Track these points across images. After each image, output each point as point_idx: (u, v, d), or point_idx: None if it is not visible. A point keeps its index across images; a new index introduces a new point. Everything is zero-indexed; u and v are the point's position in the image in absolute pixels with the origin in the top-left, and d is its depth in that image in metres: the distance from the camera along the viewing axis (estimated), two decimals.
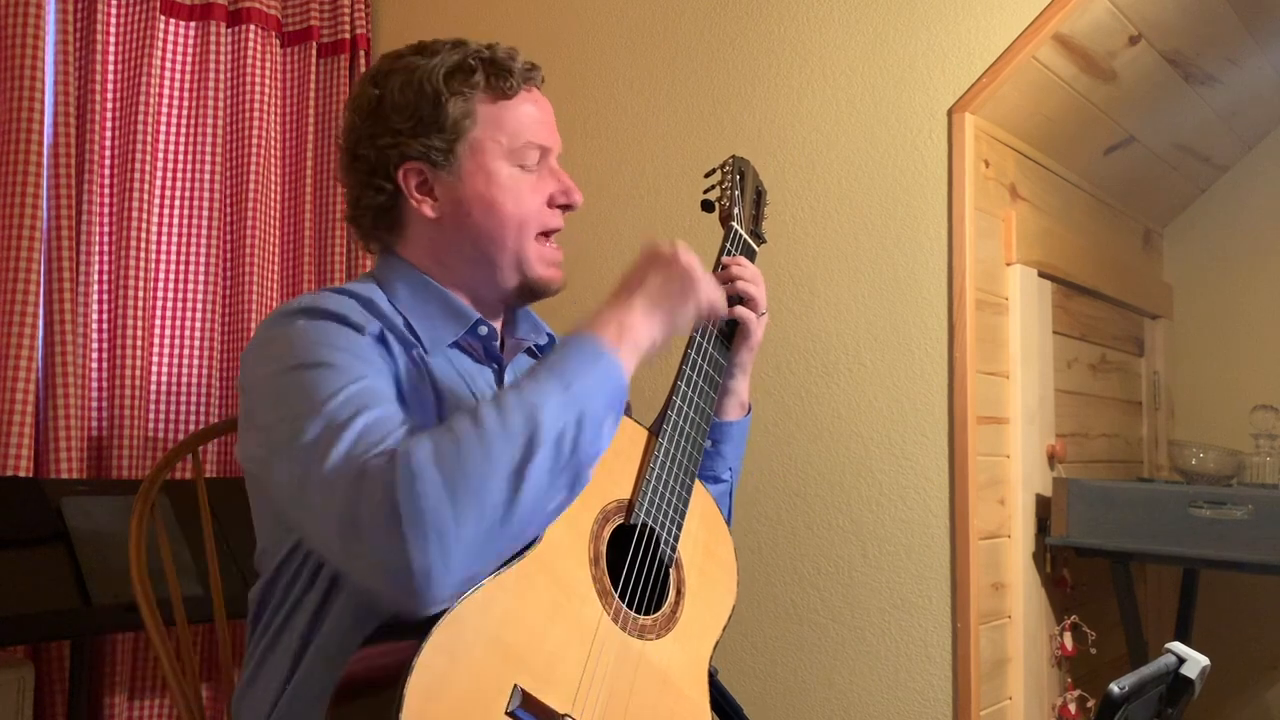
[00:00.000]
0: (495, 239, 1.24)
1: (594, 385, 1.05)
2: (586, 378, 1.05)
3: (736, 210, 1.44)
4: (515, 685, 1.00)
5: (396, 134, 1.23)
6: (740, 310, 1.37)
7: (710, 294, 1.20)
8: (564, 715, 1.03)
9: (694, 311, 1.18)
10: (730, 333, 1.38)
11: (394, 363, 1.15)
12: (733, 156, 1.49)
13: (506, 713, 0.99)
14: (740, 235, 1.43)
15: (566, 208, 1.29)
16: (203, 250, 2.48)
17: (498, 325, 1.33)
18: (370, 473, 0.97)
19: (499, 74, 1.24)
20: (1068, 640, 2.21)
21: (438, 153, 1.23)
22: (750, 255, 1.43)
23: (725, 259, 1.39)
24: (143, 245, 2.36)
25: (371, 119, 1.25)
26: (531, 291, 1.28)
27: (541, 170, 1.27)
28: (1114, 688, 1.07)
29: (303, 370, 1.08)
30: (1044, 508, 2.18)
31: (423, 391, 1.17)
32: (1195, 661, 1.18)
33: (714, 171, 1.48)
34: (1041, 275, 2.26)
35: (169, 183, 2.48)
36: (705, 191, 1.47)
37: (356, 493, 0.96)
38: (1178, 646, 1.20)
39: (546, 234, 1.28)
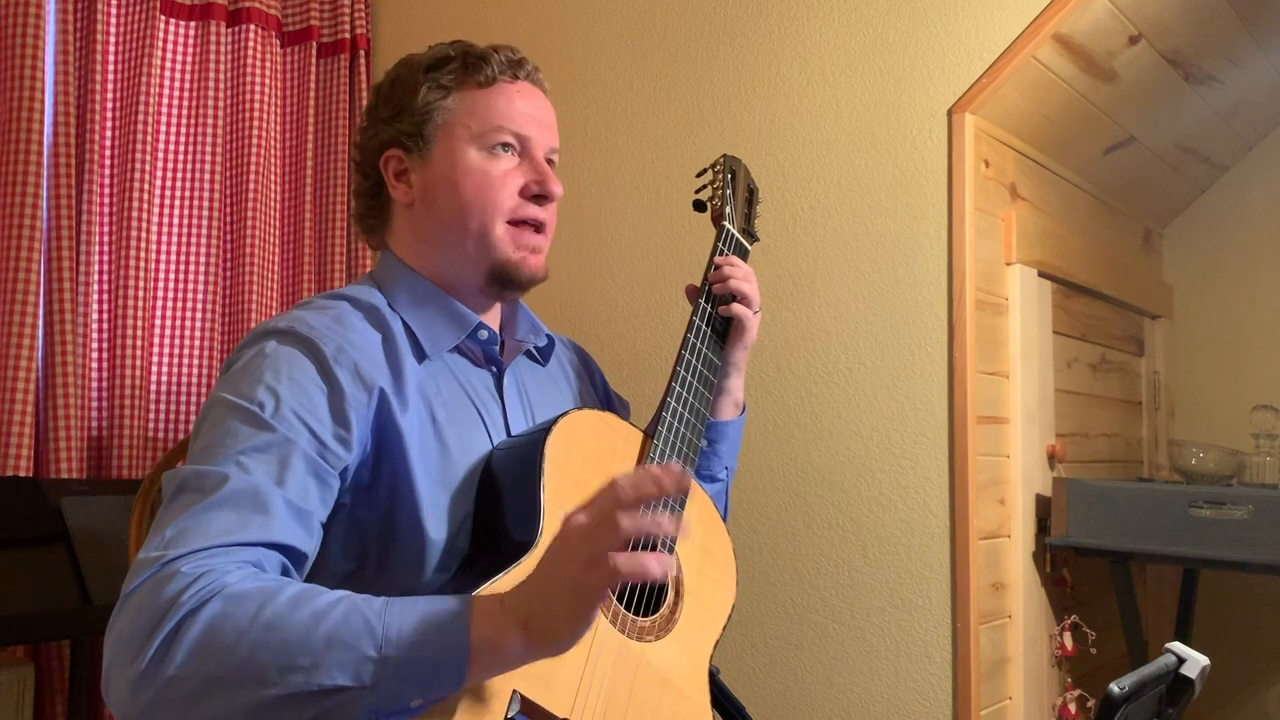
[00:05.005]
0: (458, 223, 1.24)
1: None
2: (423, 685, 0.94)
3: (728, 209, 1.44)
4: (514, 691, 1.00)
5: (379, 123, 1.29)
6: (736, 308, 1.37)
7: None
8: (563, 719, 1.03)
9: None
10: (724, 331, 1.38)
11: (363, 394, 1.13)
12: (724, 156, 1.49)
13: (506, 718, 0.99)
14: (732, 234, 1.43)
15: (542, 198, 1.26)
16: (203, 250, 2.48)
17: (497, 327, 1.33)
18: (171, 579, 0.95)
19: (475, 62, 1.27)
20: (1068, 640, 2.21)
21: (408, 137, 1.26)
22: (743, 254, 1.43)
23: (718, 259, 1.39)
24: (143, 245, 2.35)
25: (366, 114, 1.33)
26: (504, 276, 1.25)
27: (520, 160, 1.26)
28: (1114, 688, 1.07)
29: (226, 406, 1.09)
30: (1044, 508, 2.18)
31: (412, 407, 1.16)
32: (1195, 661, 1.18)
33: (705, 171, 1.48)
34: (1041, 275, 2.26)
35: (169, 183, 2.48)
36: (697, 191, 1.48)
37: (155, 590, 0.95)
38: (1178, 646, 1.20)
39: (520, 222, 1.25)
